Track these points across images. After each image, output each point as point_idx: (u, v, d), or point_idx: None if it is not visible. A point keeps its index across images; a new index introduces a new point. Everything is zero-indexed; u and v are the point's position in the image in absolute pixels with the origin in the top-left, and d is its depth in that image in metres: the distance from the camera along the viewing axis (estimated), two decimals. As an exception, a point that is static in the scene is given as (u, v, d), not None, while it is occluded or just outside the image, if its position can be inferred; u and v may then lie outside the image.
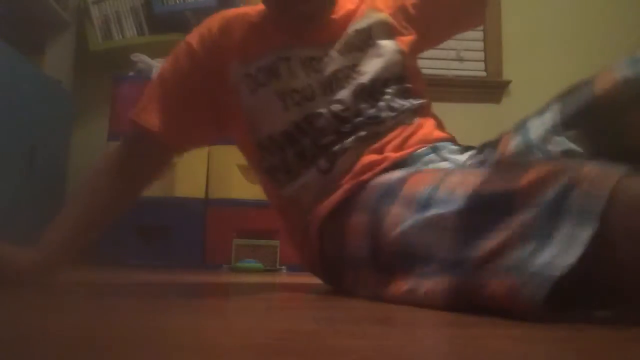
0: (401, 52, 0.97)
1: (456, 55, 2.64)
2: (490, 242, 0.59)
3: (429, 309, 0.66)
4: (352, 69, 0.94)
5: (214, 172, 2.10)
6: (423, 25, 1.03)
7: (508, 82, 2.61)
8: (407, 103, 0.94)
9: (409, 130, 0.92)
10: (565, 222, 0.53)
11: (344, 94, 0.92)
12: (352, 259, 0.83)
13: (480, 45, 2.67)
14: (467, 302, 0.61)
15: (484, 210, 0.62)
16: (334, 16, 0.98)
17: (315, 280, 1.04)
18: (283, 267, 1.97)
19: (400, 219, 0.73)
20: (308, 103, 0.92)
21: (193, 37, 1.04)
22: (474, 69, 2.64)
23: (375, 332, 0.49)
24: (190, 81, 0.99)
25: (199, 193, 2.08)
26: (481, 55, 2.66)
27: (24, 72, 1.88)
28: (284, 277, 1.56)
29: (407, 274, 0.70)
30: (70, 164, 2.32)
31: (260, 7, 1.01)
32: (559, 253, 0.52)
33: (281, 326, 0.50)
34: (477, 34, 2.67)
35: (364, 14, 0.99)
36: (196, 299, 0.79)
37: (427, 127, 0.94)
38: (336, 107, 0.91)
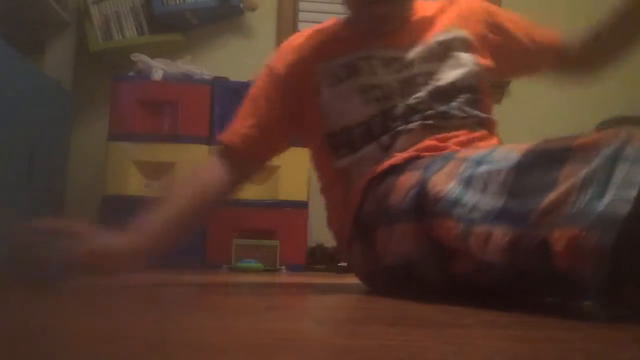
0: (479, 66, 1.00)
1: (456, 55, 2.64)
2: (550, 194, 0.59)
3: (429, 309, 0.66)
4: (430, 76, 0.96)
5: (214, 172, 2.10)
6: (500, 60, 1.06)
7: (508, 82, 2.60)
8: (476, 112, 0.97)
9: (474, 135, 0.94)
10: (621, 169, 0.54)
11: (421, 95, 0.95)
12: (393, 213, 0.83)
13: (480, 45, 2.67)
14: (526, 257, 0.60)
15: (540, 164, 0.63)
16: (412, 19, 1.02)
17: (316, 280, 1.03)
18: (283, 267, 1.97)
19: (453, 173, 0.74)
20: (386, 100, 0.95)
21: (276, 61, 1.08)
22: (474, 69, 2.65)
23: (376, 332, 0.49)
24: (277, 104, 1.04)
25: (199, 193, 2.07)
26: (481, 55, 2.66)
27: (24, 72, 1.88)
28: (284, 277, 1.56)
29: (454, 218, 0.70)
30: (70, 164, 2.32)
31: (334, 20, 1.09)
32: (619, 195, 0.52)
33: (281, 326, 0.50)
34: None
35: (446, 27, 1.01)
36: (196, 299, 0.79)
37: (492, 140, 0.97)
38: (411, 101, 0.94)
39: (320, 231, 2.32)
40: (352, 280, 1.04)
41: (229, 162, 1.03)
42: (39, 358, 0.33)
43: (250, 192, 2.10)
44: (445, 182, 0.74)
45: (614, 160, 0.55)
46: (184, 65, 2.22)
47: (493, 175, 0.67)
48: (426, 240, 0.76)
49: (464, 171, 0.72)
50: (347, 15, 1.08)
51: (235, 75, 2.32)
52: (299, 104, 1.03)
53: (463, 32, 1.01)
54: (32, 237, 0.74)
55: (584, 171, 0.57)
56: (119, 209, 2.03)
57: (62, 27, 2.28)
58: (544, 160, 0.63)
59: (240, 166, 1.04)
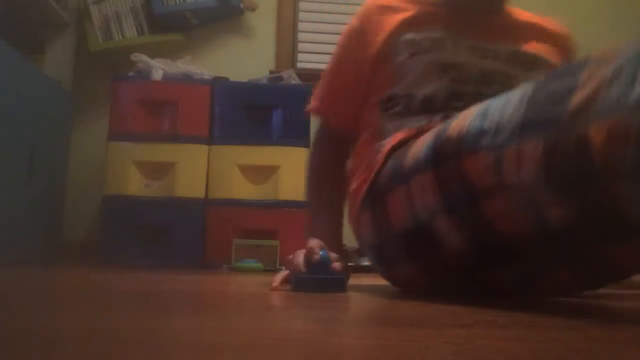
0: None
1: (456, 55, 2.64)
2: (576, 95, 0.57)
3: (429, 309, 0.66)
4: (510, 79, 0.96)
5: (214, 172, 2.10)
6: None
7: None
8: None
9: None
10: None
11: (492, 92, 0.92)
12: (408, 169, 0.82)
13: (480, 45, 2.67)
14: (562, 161, 0.58)
15: (557, 76, 0.63)
16: (505, 21, 1.04)
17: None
18: (283, 267, 1.97)
19: (469, 113, 0.74)
20: (461, 83, 0.95)
21: (360, 20, 1.12)
22: (474, 69, 2.65)
23: (375, 332, 0.49)
24: (358, 61, 1.06)
25: (199, 193, 2.08)
26: (481, 55, 2.67)
27: (24, 72, 1.88)
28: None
29: (482, 149, 0.68)
30: (70, 164, 2.32)
31: None
32: None
33: (281, 326, 0.50)
34: None
35: (537, 49, 1.02)
36: (196, 299, 0.79)
37: None
38: (483, 91, 0.93)
39: (320, 231, 2.32)
40: (352, 280, 1.04)
41: (330, 135, 1.10)
42: (37, 358, 0.33)
43: (250, 192, 2.10)
44: (464, 121, 0.73)
45: (638, 55, 0.54)
46: (184, 65, 2.22)
47: (510, 99, 0.67)
48: (449, 186, 0.74)
49: (480, 108, 0.72)
50: None
51: (235, 75, 2.32)
52: (374, 61, 1.03)
53: (551, 60, 1.01)
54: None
55: (610, 67, 0.55)
56: (119, 209, 2.04)
57: (62, 27, 2.28)
58: (561, 72, 0.63)
59: (345, 145, 1.09)
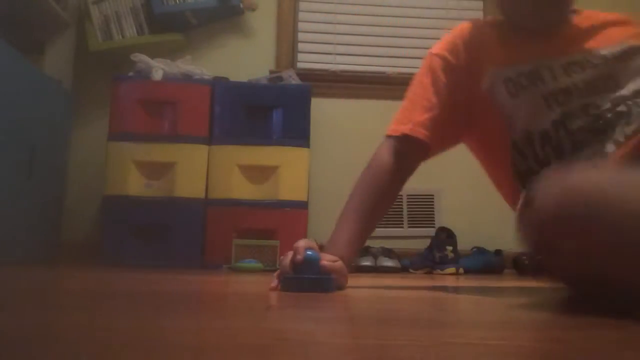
0: None
1: (456, 55, 2.64)
2: None
3: (430, 309, 0.66)
4: (611, 78, 0.97)
5: (214, 172, 2.10)
6: None
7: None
8: None
9: None
10: None
11: (601, 99, 0.95)
12: None
13: (480, 45, 2.67)
14: None
15: None
16: (574, 24, 1.05)
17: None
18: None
19: None
20: (568, 102, 0.96)
21: (444, 50, 1.11)
22: (474, 69, 2.65)
23: (375, 332, 0.49)
24: (448, 91, 1.07)
25: (199, 193, 2.08)
26: (481, 55, 2.66)
27: (24, 72, 1.88)
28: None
29: None
30: (70, 164, 2.32)
31: (488, 20, 1.13)
32: None
33: (281, 326, 0.50)
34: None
35: (619, 38, 1.02)
36: (196, 299, 0.79)
37: None
38: (592, 109, 0.95)
39: (320, 231, 2.32)
40: (352, 281, 1.04)
41: (402, 152, 1.08)
42: (37, 358, 0.33)
43: (250, 192, 2.10)
44: None
45: None
46: (184, 65, 2.22)
47: None
48: None
49: None
50: (499, 17, 1.11)
51: (235, 75, 2.32)
52: (467, 97, 1.06)
53: (637, 41, 1.01)
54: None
55: None
56: (119, 209, 2.04)
57: (62, 27, 2.28)
58: None
59: (414, 154, 1.09)
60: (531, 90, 0.99)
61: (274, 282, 0.93)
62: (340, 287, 0.93)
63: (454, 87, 1.07)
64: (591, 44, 1.02)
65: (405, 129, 1.08)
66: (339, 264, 0.93)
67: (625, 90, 0.95)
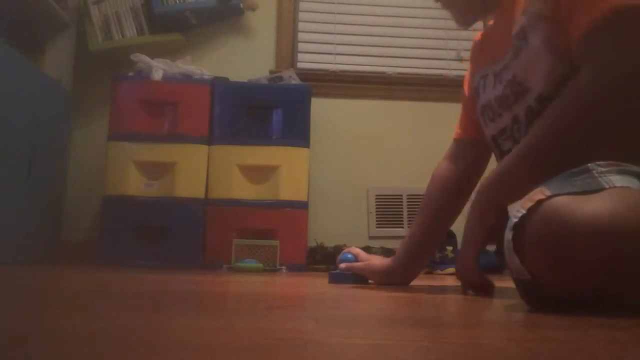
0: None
1: (456, 55, 2.64)
2: None
3: (429, 309, 0.66)
4: (518, 84, 0.89)
5: (214, 172, 2.10)
6: None
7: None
8: None
9: None
10: None
11: (512, 116, 0.91)
12: None
13: (480, 45, 2.67)
14: None
15: None
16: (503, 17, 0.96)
17: (316, 281, 1.03)
18: (283, 267, 1.97)
19: None
20: (495, 118, 0.96)
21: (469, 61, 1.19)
22: (474, 69, 2.65)
23: (375, 332, 0.49)
24: (469, 97, 1.14)
25: (199, 193, 2.08)
26: (481, 55, 2.66)
27: (24, 72, 1.88)
28: (284, 277, 1.56)
29: None
30: (70, 164, 2.32)
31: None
32: None
33: (281, 326, 0.50)
34: (477, 34, 2.67)
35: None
36: (196, 299, 0.79)
37: None
38: (509, 131, 0.93)
39: (320, 231, 2.32)
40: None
41: (458, 153, 1.16)
42: (37, 358, 0.33)
43: (250, 192, 2.10)
44: None
45: None
46: (184, 65, 2.22)
47: None
48: None
49: None
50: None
51: (235, 75, 2.32)
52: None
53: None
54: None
55: None
56: (119, 209, 2.04)
57: (62, 27, 2.28)
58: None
59: (468, 152, 1.15)
60: (478, 104, 1.03)
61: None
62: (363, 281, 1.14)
63: (470, 94, 1.12)
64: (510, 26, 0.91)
65: (454, 134, 1.20)
66: (360, 264, 1.14)
67: (530, 98, 0.86)
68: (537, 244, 0.62)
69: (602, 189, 0.61)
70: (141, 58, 2.17)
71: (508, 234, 0.66)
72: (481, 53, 1.07)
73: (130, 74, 2.18)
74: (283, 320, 0.55)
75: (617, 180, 0.63)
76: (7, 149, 1.75)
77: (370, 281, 1.16)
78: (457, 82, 2.67)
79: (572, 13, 0.77)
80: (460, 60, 2.63)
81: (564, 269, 0.61)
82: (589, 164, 0.66)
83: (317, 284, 1.22)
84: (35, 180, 1.94)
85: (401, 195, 2.48)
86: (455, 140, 1.18)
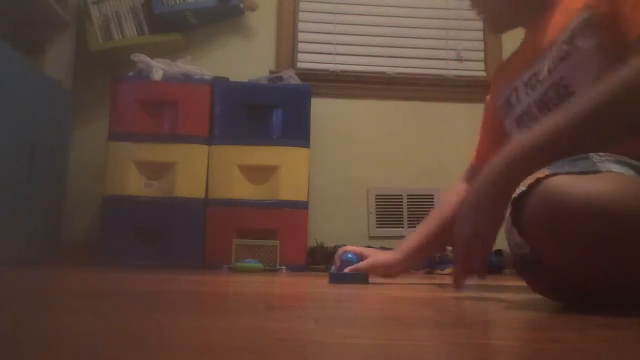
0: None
1: (456, 55, 2.64)
2: None
3: (429, 309, 0.65)
4: (562, 86, 0.89)
5: (214, 172, 2.10)
6: None
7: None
8: None
9: None
10: None
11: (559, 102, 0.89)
12: None
13: (480, 45, 2.67)
14: None
15: None
16: (552, 17, 0.93)
17: (316, 281, 1.03)
18: (283, 267, 1.97)
19: None
20: (531, 123, 0.95)
21: (488, 89, 1.23)
22: (474, 69, 2.64)
23: (375, 332, 0.49)
24: (491, 123, 1.19)
25: (199, 193, 2.08)
26: (481, 55, 2.66)
27: (24, 72, 1.88)
28: (284, 277, 1.56)
29: None
30: (70, 164, 2.32)
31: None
32: None
33: (281, 326, 0.50)
34: (477, 34, 2.67)
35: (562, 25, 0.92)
36: (196, 299, 0.79)
37: None
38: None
39: (320, 231, 2.32)
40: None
41: (474, 176, 1.19)
42: (37, 358, 0.33)
43: (250, 192, 2.10)
44: None
45: None
46: (184, 65, 2.22)
47: None
48: None
49: None
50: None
51: (235, 75, 2.32)
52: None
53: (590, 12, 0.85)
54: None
55: None
56: (119, 209, 2.04)
57: (62, 27, 2.28)
58: None
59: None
60: (509, 117, 1.04)
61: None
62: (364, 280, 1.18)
63: (492, 120, 1.17)
64: (551, 36, 0.92)
65: (472, 159, 1.26)
66: (366, 263, 1.19)
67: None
68: (536, 219, 0.64)
69: (600, 172, 0.64)
70: (141, 58, 2.17)
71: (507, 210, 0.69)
72: (507, 72, 1.08)
73: (130, 74, 2.18)
74: (283, 320, 0.55)
75: (614, 167, 0.65)
76: (7, 149, 1.75)
77: (370, 281, 1.18)
78: (457, 82, 2.67)
79: (625, 15, 0.78)
80: (460, 60, 2.63)
81: (560, 245, 0.63)
82: (590, 153, 0.68)
83: (317, 284, 1.22)
84: (35, 180, 1.94)
85: (401, 195, 2.48)
86: (472, 165, 1.24)
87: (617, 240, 0.59)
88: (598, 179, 0.62)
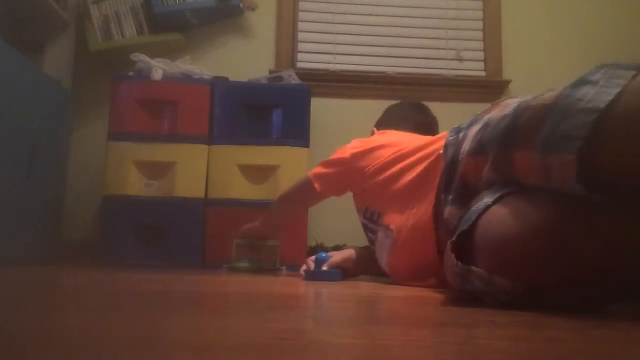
0: None
1: (456, 55, 2.63)
2: None
3: (429, 309, 0.66)
4: None
5: (214, 172, 2.10)
6: None
7: (508, 82, 2.60)
8: None
9: None
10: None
11: None
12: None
13: (480, 45, 2.66)
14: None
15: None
16: None
17: (316, 281, 1.03)
18: (283, 267, 1.97)
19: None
20: None
21: None
22: (474, 69, 2.64)
23: (375, 332, 0.49)
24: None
25: (199, 193, 2.07)
26: (481, 55, 2.66)
27: (24, 72, 1.88)
28: (284, 277, 1.56)
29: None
30: (70, 164, 2.32)
31: None
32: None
33: (281, 326, 0.50)
34: (477, 34, 2.67)
35: None
36: (196, 299, 0.79)
37: None
38: None
39: (320, 231, 2.32)
40: (354, 280, 1.04)
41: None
42: (37, 358, 0.33)
43: (250, 192, 2.10)
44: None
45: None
46: (184, 65, 2.22)
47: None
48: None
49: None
50: None
51: (235, 75, 2.32)
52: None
53: None
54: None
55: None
56: (119, 209, 2.04)
57: (62, 27, 2.28)
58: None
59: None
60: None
61: (301, 274, 1.40)
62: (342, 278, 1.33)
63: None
64: None
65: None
66: (338, 258, 1.40)
67: None
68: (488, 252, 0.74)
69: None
70: (141, 58, 2.17)
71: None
72: None
73: (130, 74, 2.18)
74: (283, 320, 0.55)
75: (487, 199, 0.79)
76: (7, 149, 1.75)
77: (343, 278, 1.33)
78: (457, 82, 2.67)
79: None
80: (461, 60, 2.63)
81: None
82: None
83: (317, 284, 1.22)
84: (35, 180, 1.94)
85: (401, 195, 2.47)
86: (317, 190, 1.59)
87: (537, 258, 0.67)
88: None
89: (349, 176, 1.47)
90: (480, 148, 0.85)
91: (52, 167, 2.13)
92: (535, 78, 2.60)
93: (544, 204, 0.70)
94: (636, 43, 2.66)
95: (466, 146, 0.92)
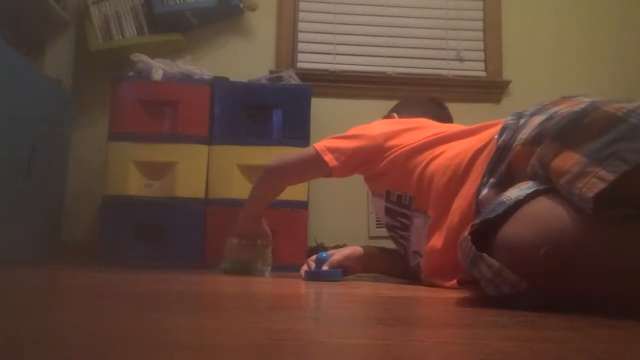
0: None
1: (456, 55, 2.63)
2: None
3: (430, 309, 0.66)
4: None
5: (214, 172, 2.10)
6: None
7: (508, 82, 2.60)
8: None
9: None
10: None
11: None
12: None
13: (480, 45, 2.66)
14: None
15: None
16: None
17: (314, 281, 1.03)
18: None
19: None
20: None
21: None
22: (474, 69, 2.64)
23: (375, 332, 0.49)
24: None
25: (199, 193, 2.07)
26: (481, 55, 2.66)
27: (24, 72, 1.88)
28: (284, 278, 1.56)
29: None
30: (70, 164, 2.32)
31: None
32: None
33: (281, 326, 0.50)
34: (477, 34, 2.67)
35: None
36: (196, 299, 0.79)
37: None
38: None
39: (320, 231, 2.32)
40: (353, 281, 1.04)
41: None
42: (37, 358, 0.33)
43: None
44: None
45: None
46: (184, 65, 2.22)
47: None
48: None
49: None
50: None
51: (235, 75, 2.32)
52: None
53: None
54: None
55: None
56: (119, 209, 2.04)
57: (62, 27, 2.28)
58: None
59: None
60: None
61: (302, 274, 1.38)
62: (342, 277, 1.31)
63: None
64: None
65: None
66: (339, 256, 1.37)
67: None
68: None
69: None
70: (141, 58, 2.17)
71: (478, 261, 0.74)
72: None
73: (130, 74, 2.18)
74: (283, 320, 0.55)
75: (513, 194, 0.78)
76: (7, 149, 1.75)
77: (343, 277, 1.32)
78: (457, 82, 2.67)
79: None
80: (461, 60, 2.63)
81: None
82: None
83: (317, 284, 1.22)
84: (35, 180, 1.94)
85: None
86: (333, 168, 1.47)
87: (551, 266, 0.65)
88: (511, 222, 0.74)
89: (369, 154, 1.34)
90: (538, 138, 0.83)
91: (52, 167, 2.13)
92: (535, 78, 2.60)
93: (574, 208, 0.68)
94: (637, 43, 2.66)
95: (524, 134, 0.89)
